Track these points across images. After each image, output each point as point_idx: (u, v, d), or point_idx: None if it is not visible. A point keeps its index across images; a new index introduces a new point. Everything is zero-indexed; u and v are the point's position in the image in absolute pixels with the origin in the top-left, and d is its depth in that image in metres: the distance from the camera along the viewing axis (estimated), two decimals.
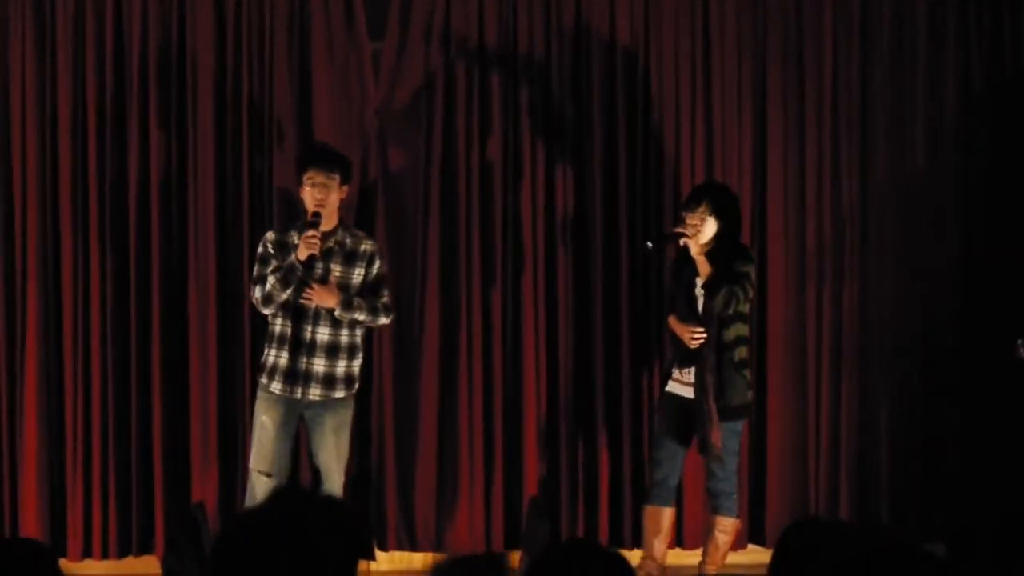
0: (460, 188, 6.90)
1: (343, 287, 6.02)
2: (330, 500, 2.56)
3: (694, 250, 6.12)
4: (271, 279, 5.94)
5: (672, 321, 6.34)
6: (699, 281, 6.21)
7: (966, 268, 7.04)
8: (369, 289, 6.08)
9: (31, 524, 6.73)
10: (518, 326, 6.93)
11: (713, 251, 6.13)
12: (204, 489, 6.75)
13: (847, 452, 7.02)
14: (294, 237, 6.04)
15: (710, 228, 6.15)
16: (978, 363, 6.96)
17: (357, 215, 6.83)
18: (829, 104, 7.03)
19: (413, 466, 6.88)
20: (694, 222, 6.14)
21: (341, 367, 6.05)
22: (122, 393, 6.77)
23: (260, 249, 6.11)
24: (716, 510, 6.25)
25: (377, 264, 6.12)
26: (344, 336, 6.05)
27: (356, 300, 6.02)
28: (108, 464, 6.76)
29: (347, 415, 6.11)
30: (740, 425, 6.27)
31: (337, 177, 6.02)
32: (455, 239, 6.90)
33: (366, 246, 6.12)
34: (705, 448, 6.13)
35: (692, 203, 6.20)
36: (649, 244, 6.48)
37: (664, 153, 6.97)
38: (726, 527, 6.25)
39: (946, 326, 7.04)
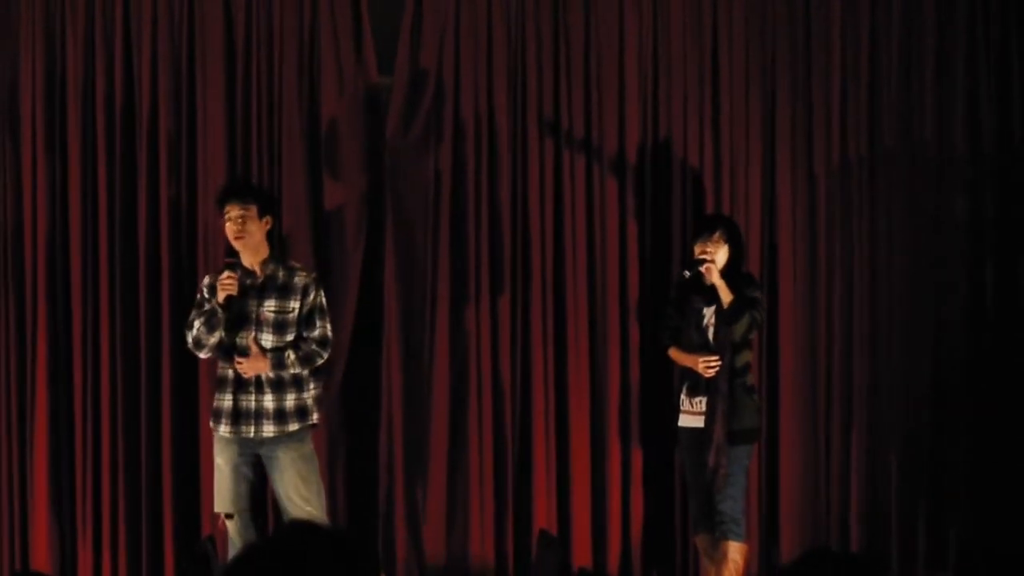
0: (469, 220, 6.91)
1: (279, 323, 5.98)
2: (337, 532, 2.55)
3: (714, 276, 6.16)
4: (196, 324, 5.95)
5: (676, 354, 6.36)
6: (708, 311, 6.23)
7: (978, 290, 7.02)
8: (304, 320, 6.03)
9: (41, 558, 6.73)
10: (528, 355, 6.93)
11: (723, 278, 6.19)
12: (214, 523, 6.74)
13: (858, 478, 7.00)
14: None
15: (723, 255, 6.21)
16: (989, 394, 6.94)
17: (367, 247, 6.85)
18: (838, 129, 7.02)
19: (423, 496, 6.87)
20: (710, 249, 6.18)
21: (290, 400, 6.00)
22: (132, 427, 6.78)
23: (197, 295, 6.10)
24: (724, 535, 6.25)
25: (312, 295, 6.04)
26: (286, 372, 6.02)
27: (288, 356, 5.96)
28: (118, 497, 6.76)
29: (305, 448, 6.03)
30: (750, 450, 6.28)
31: (254, 208, 5.99)
32: (465, 269, 6.91)
33: (299, 278, 6.05)
34: (708, 473, 6.14)
35: (707, 231, 6.25)
36: (687, 273, 6.37)
37: (672, 180, 6.98)
38: (735, 552, 6.25)
39: (957, 353, 7.03)
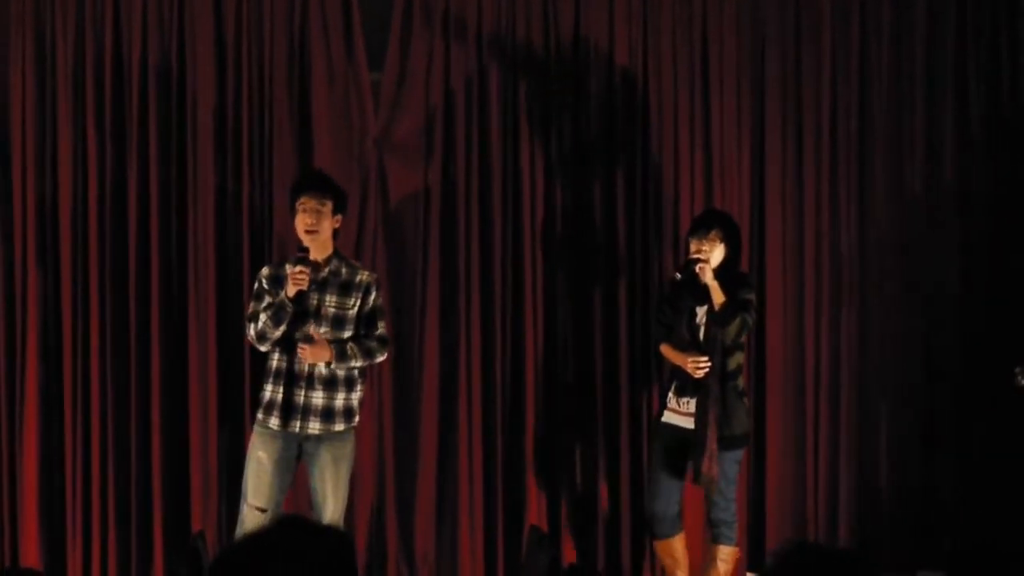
0: (459, 217, 6.92)
1: (338, 319, 5.95)
2: (325, 529, 2.55)
3: (708, 276, 6.04)
4: (263, 317, 5.88)
5: (668, 351, 6.27)
6: (700, 310, 6.17)
7: (966, 296, 7.05)
8: (365, 320, 5.99)
9: (31, 554, 6.74)
10: (518, 356, 6.93)
11: (718, 278, 6.07)
12: (204, 519, 6.75)
13: (845, 479, 7.02)
14: (288, 269, 5.97)
15: (719, 254, 6.11)
16: (977, 391, 6.96)
17: (356, 245, 6.86)
18: (828, 132, 7.04)
19: (413, 494, 6.88)
20: (705, 248, 6.10)
21: (340, 400, 5.95)
22: (122, 423, 6.78)
23: (255, 285, 6.02)
24: (716, 539, 6.23)
25: (373, 295, 6.01)
26: (341, 369, 5.98)
27: (350, 347, 5.92)
28: (108, 493, 6.76)
29: (346, 449, 5.98)
30: (741, 453, 6.25)
31: (330, 204, 5.93)
32: (454, 268, 6.92)
33: (362, 276, 6.03)
34: (699, 477, 6.09)
35: (703, 229, 6.13)
36: (678, 275, 6.27)
37: (663, 179, 6.99)
38: (727, 556, 6.24)
39: (945, 354, 7.04)
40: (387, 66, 6.93)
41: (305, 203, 5.92)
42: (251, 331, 5.92)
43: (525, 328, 6.93)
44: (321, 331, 5.88)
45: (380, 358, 6.07)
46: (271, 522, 2.53)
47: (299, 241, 5.96)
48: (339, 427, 5.95)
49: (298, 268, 5.82)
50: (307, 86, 6.89)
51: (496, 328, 6.92)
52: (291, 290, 5.83)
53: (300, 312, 5.89)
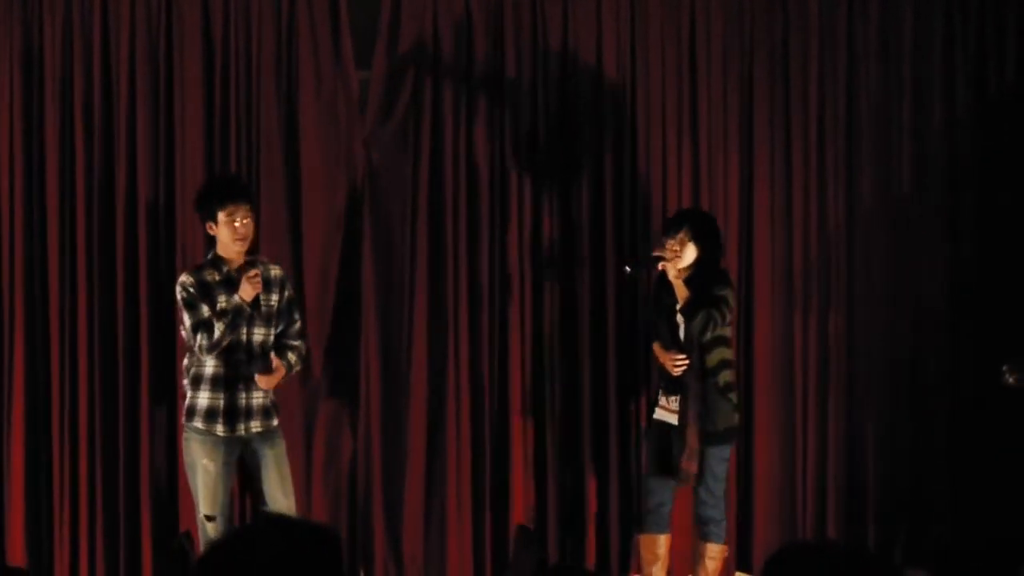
0: (447, 218, 6.91)
1: (268, 316, 6.02)
2: (313, 527, 2.54)
3: (671, 274, 6.11)
4: (219, 325, 5.87)
5: (656, 349, 6.32)
6: (679, 307, 6.20)
7: (953, 292, 7.05)
8: (284, 313, 6.09)
9: (17, 553, 6.71)
10: (505, 354, 6.93)
11: (692, 276, 6.13)
12: (191, 519, 6.72)
13: (834, 477, 7.02)
14: (209, 276, 5.98)
15: (690, 253, 6.15)
16: (965, 388, 6.97)
17: (344, 245, 6.85)
18: (815, 128, 7.04)
19: (400, 494, 6.87)
20: (675, 247, 6.13)
21: (271, 397, 6.08)
22: (109, 422, 6.76)
23: (183, 294, 5.95)
24: (705, 537, 6.24)
25: (288, 287, 6.14)
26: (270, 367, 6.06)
27: (290, 359, 6.06)
28: (95, 492, 6.74)
29: (283, 444, 6.12)
30: (728, 450, 6.26)
31: (251, 207, 6.04)
32: (443, 267, 6.91)
33: (276, 271, 6.12)
34: (678, 473, 6.12)
35: (672, 228, 6.20)
36: (627, 268, 6.48)
37: (651, 180, 6.99)
38: (715, 554, 6.25)
39: (933, 350, 7.05)
40: (375, 64, 6.91)
41: (235, 211, 5.93)
42: (203, 340, 5.89)
43: (512, 329, 6.92)
44: (257, 331, 5.97)
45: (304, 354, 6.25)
46: (254, 523, 2.51)
47: (205, 247, 6.08)
48: (275, 422, 6.07)
49: (254, 272, 5.90)
50: (294, 85, 6.88)
51: (484, 329, 6.91)
52: (248, 293, 5.90)
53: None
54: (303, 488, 6.66)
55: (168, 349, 6.76)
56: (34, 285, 6.77)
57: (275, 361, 5.96)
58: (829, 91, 7.05)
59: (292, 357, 6.07)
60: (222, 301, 5.90)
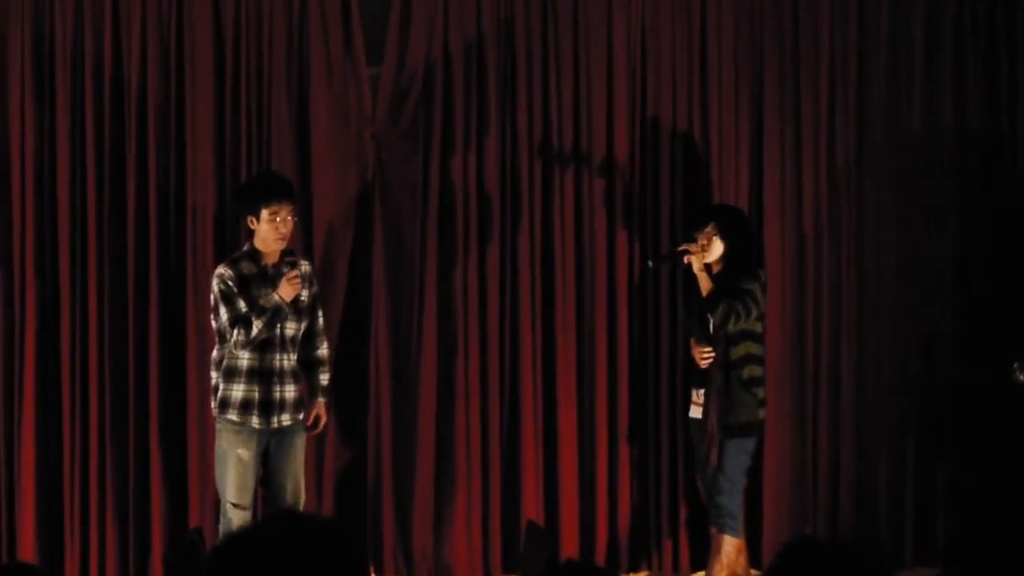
0: (458, 212, 6.91)
1: (299, 311, 6.07)
2: (326, 522, 2.53)
3: (695, 267, 6.16)
4: (257, 323, 5.92)
5: (692, 343, 6.36)
6: (703, 299, 6.23)
7: (965, 290, 7.04)
8: (311, 308, 6.15)
9: (28, 549, 6.72)
10: (516, 349, 6.93)
11: (721, 271, 6.17)
12: (202, 514, 6.74)
13: (845, 474, 7.01)
14: (246, 269, 6.02)
15: (717, 248, 6.18)
16: (976, 386, 6.96)
17: (354, 241, 6.85)
18: (825, 118, 7.03)
19: (410, 490, 6.87)
20: (702, 241, 6.17)
21: (300, 390, 6.15)
22: (120, 417, 6.76)
23: (222, 287, 5.97)
24: (721, 529, 6.25)
25: (315, 283, 6.22)
26: (297, 361, 6.12)
27: (324, 370, 6.24)
28: (106, 488, 6.75)
29: (304, 437, 6.20)
30: (750, 443, 6.25)
31: (294, 208, 6.09)
32: (453, 261, 6.91)
33: (306, 267, 6.17)
34: (701, 467, 6.16)
35: (700, 223, 6.25)
36: (650, 263, 6.52)
37: (661, 174, 6.98)
38: (731, 547, 6.24)
39: (944, 349, 7.04)
40: (385, 60, 6.91)
41: (279, 211, 5.97)
42: (240, 336, 5.93)
43: (523, 322, 6.92)
44: (289, 325, 6.03)
45: None
46: (267, 517, 2.51)
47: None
48: (301, 415, 6.15)
49: (294, 273, 5.96)
50: (306, 80, 6.87)
51: (495, 322, 6.91)
52: (289, 294, 5.95)
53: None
54: (313, 483, 6.67)
55: (178, 345, 6.77)
56: (45, 280, 6.77)
57: (319, 407, 6.23)
58: (840, 75, 7.01)
59: (324, 380, 6.23)
60: (260, 297, 5.94)
